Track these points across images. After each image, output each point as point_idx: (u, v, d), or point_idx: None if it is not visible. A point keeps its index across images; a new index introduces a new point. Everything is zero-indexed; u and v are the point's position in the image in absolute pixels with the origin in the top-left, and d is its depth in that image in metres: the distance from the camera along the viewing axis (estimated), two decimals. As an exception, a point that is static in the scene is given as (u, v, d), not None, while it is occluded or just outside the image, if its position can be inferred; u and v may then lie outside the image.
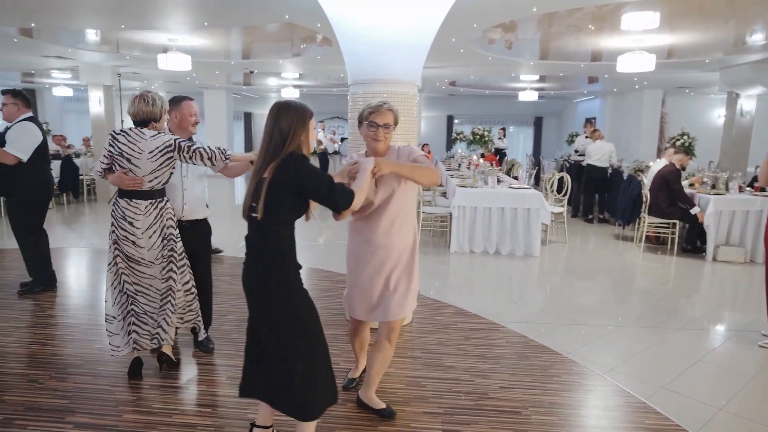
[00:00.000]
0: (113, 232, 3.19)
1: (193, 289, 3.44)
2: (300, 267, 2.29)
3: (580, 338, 4.14)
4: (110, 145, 3.11)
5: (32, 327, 4.13)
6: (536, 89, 13.53)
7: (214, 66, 11.05)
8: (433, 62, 9.57)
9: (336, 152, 15.28)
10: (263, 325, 2.27)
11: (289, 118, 2.16)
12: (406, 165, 2.53)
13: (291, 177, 2.14)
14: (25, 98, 4.61)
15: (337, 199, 2.19)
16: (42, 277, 4.85)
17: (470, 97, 18.40)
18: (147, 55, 9.26)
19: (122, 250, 3.19)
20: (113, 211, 3.20)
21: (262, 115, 20.97)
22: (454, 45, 7.71)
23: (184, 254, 3.36)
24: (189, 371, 3.46)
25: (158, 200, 3.22)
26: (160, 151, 3.10)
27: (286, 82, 14.12)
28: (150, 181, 3.14)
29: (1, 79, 14.51)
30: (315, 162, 16.66)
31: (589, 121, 11.18)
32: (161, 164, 3.12)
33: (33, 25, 6.38)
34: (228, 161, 3.20)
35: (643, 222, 7.14)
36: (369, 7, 3.60)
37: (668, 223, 7.00)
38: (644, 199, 7.10)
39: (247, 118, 20.94)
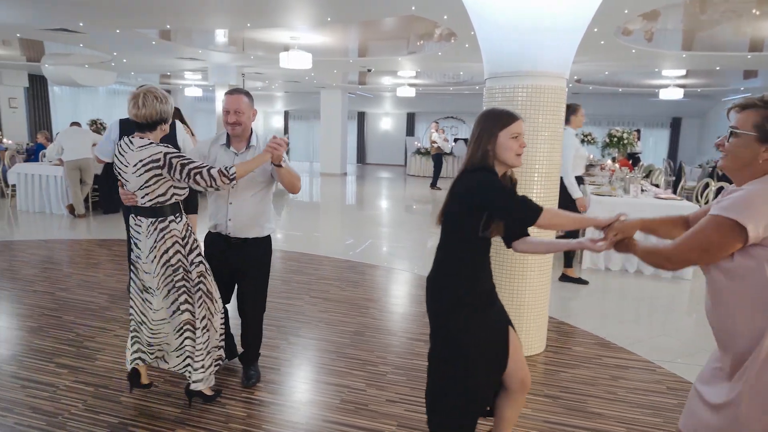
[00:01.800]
0: (132, 251, 2.81)
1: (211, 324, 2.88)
2: (478, 299, 2.05)
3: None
4: (115, 155, 2.69)
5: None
6: (679, 86, 12.02)
7: (332, 64, 11.07)
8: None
9: (449, 153, 14.79)
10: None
11: (477, 124, 2.05)
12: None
13: (462, 184, 1.98)
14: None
15: (520, 210, 1.90)
16: None
17: (597, 96, 16.96)
18: (270, 54, 9.44)
19: (135, 273, 2.79)
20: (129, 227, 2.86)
21: (375, 115, 21.04)
22: (595, 36, 6.89)
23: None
24: (295, 388, 3.19)
25: (159, 220, 2.65)
26: (144, 166, 2.55)
27: (401, 81, 13.89)
28: (142, 197, 2.63)
29: (142, 81, 15.86)
30: (428, 163, 16.31)
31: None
32: (147, 181, 2.58)
33: (168, 26, 6.65)
34: (234, 180, 2.64)
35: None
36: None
37: None
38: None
39: (361, 117, 21.11)
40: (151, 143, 2.60)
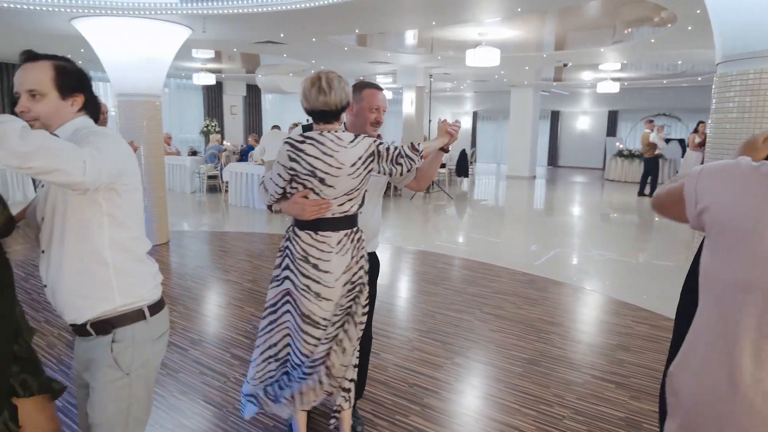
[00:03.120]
0: (287, 278, 2.22)
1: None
2: None
3: None
4: (292, 159, 2.07)
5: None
6: None
7: (524, 61, 10.39)
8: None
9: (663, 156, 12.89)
10: None
11: None
12: None
13: None
14: None
15: None
16: None
17: None
18: (457, 54, 9.19)
19: (298, 305, 2.19)
20: (288, 249, 2.23)
21: (570, 114, 19.53)
22: None
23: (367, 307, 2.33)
24: (454, 418, 2.80)
25: (353, 230, 2.23)
26: (363, 163, 2.11)
27: (603, 75, 12.51)
28: (341, 205, 2.14)
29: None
30: (631, 167, 14.50)
31: None
32: (362, 182, 2.15)
33: (357, 31, 6.81)
34: (422, 159, 2.21)
35: None
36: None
37: None
38: None
39: (554, 116, 19.77)
40: (357, 136, 2.15)
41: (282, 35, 7.07)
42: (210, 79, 10.92)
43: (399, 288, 5.14)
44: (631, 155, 14.86)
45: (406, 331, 4.00)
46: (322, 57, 9.63)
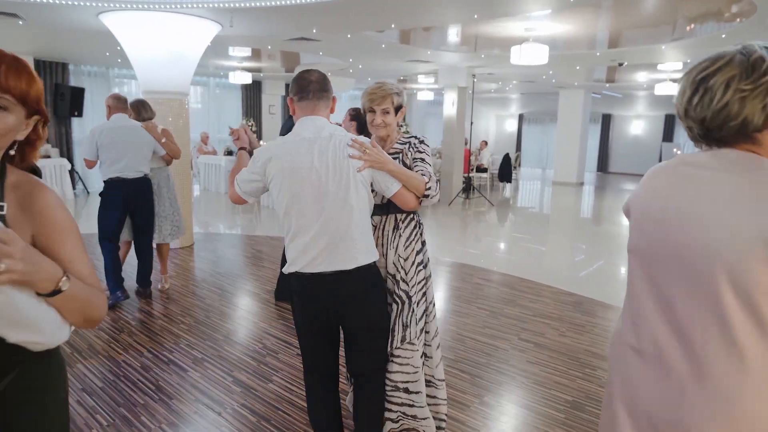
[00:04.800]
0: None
1: None
2: None
3: None
4: None
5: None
6: None
7: (574, 59, 9.71)
8: None
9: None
10: None
11: None
12: None
13: None
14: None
15: None
16: None
17: None
18: (502, 52, 8.63)
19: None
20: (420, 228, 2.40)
21: (623, 117, 18.53)
22: None
23: None
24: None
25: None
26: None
27: (661, 76, 11.62)
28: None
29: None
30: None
31: None
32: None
33: (393, 26, 6.38)
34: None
35: None
36: None
37: None
38: None
39: (606, 120, 18.78)
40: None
41: (314, 31, 6.71)
42: (246, 78, 10.72)
43: (428, 305, 4.66)
44: (690, 162, 13.84)
45: (431, 358, 3.53)
46: (360, 55, 9.26)
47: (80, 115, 10.57)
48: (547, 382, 3.22)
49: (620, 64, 9.92)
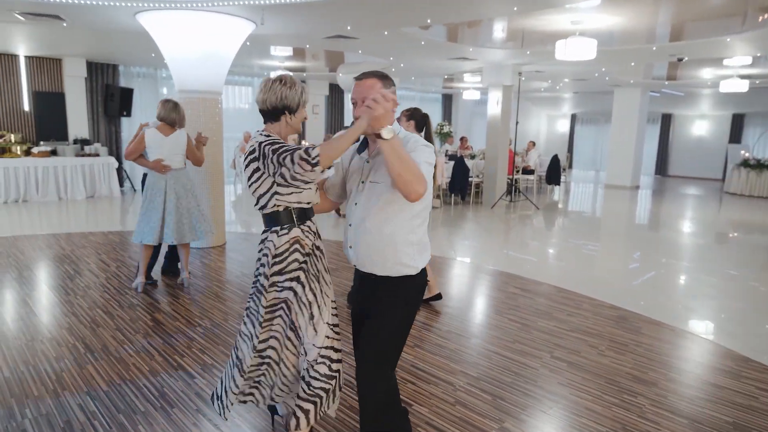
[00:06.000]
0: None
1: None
2: None
3: None
4: None
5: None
6: None
7: (629, 55, 9.11)
8: None
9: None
10: None
11: None
12: None
13: None
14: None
15: None
16: None
17: None
18: (549, 48, 8.19)
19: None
20: None
21: (685, 117, 17.48)
22: None
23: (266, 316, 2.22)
24: None
25: (265, 231, 2.26)
26: (246, 162, 2.17)
27: (728, 72, 10.78)
28: (255, 203, 2.26)
29: (422, 86, 16.33)
30: (759, 179, 12.54)
31: None
32: (248, 178, 2.18)
33: (429, 20, 6.11)
34: (317, 166, 1.95)
35: None
36: None
37: None
38: None
39: (665, 120, 17.74)
40: (271, 136, 2.14)
41: (349, 28, 6.54)
42: (287, 78, 10.72)
43: (455, 316, 4.36)
44: (759, 165, 12.81)
45: (451, 374, 3.27)
46: (400, 53, 9.03)
47: (129, 114, 10.88)
48: (578, 409, 2.89)
49: (679, 60, 9.23)
